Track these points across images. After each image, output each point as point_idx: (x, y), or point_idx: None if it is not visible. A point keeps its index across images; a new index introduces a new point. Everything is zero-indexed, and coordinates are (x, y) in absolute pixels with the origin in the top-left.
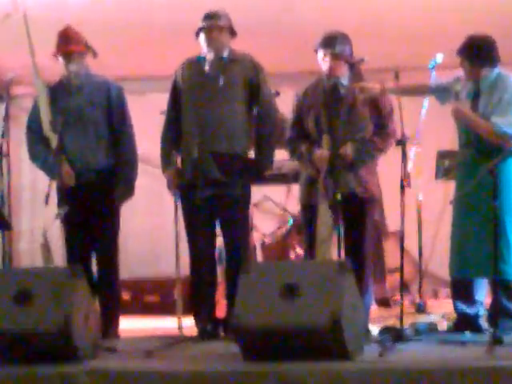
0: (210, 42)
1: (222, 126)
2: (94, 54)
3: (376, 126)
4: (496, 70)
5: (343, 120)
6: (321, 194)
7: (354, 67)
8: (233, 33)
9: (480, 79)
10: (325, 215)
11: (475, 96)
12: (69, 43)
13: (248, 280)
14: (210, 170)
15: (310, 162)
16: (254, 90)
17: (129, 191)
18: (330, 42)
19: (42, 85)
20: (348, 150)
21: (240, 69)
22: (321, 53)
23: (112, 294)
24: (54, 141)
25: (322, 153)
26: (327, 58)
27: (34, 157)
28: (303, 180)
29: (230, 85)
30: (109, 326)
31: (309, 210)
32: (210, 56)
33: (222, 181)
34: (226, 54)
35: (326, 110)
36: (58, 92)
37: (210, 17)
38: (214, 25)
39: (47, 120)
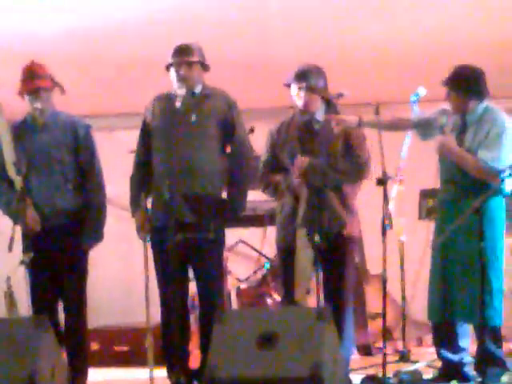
0: (179, 78)
1: (194, 165)
2: (62, 90)
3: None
4: (484, 103)
5: (318, 156)
6: (299, 231)
7: (329, 101)
8: (205, 67)
9: (467, 112)
10: (303, 254)
11: (461, 130)
12: (35, 79)
13: (222, 329)
14: (181, 212)
15: (287, 189)
16: (228, 127)
17: (97, 236)
18: (304, 75)
19: (4, 123)
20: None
21: (213, 105)
22: (294, 87)
23: (80, 345)
24: (18, 183)
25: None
26: (302, 93)
27: None
28: (279, 220)
29: (203, 122)
30: (77, 378)
31: (286, 252)
32: (180, 92)
33: (195, 223)
34: (198, 89)
35: (300, 145)
36: (22, 131)
37: (180, 51)
38: (184, 60)
39: (11, 161)
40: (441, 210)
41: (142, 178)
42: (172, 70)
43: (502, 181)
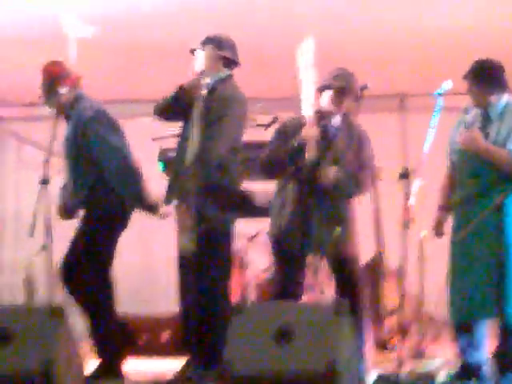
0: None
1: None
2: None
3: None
4: (505, 97)
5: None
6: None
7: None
8: (229, 61)
9: (489, 106)
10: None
11: (484, 124)
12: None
13: (240, 322)
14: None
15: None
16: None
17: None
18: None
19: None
20: (330, 172)
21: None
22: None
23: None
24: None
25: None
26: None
27: None
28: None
29: (204, 113)
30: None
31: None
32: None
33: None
34: (211, 80)
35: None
36: None
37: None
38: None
39: None
40: (462, 205)
41: None
42: None
43: None
